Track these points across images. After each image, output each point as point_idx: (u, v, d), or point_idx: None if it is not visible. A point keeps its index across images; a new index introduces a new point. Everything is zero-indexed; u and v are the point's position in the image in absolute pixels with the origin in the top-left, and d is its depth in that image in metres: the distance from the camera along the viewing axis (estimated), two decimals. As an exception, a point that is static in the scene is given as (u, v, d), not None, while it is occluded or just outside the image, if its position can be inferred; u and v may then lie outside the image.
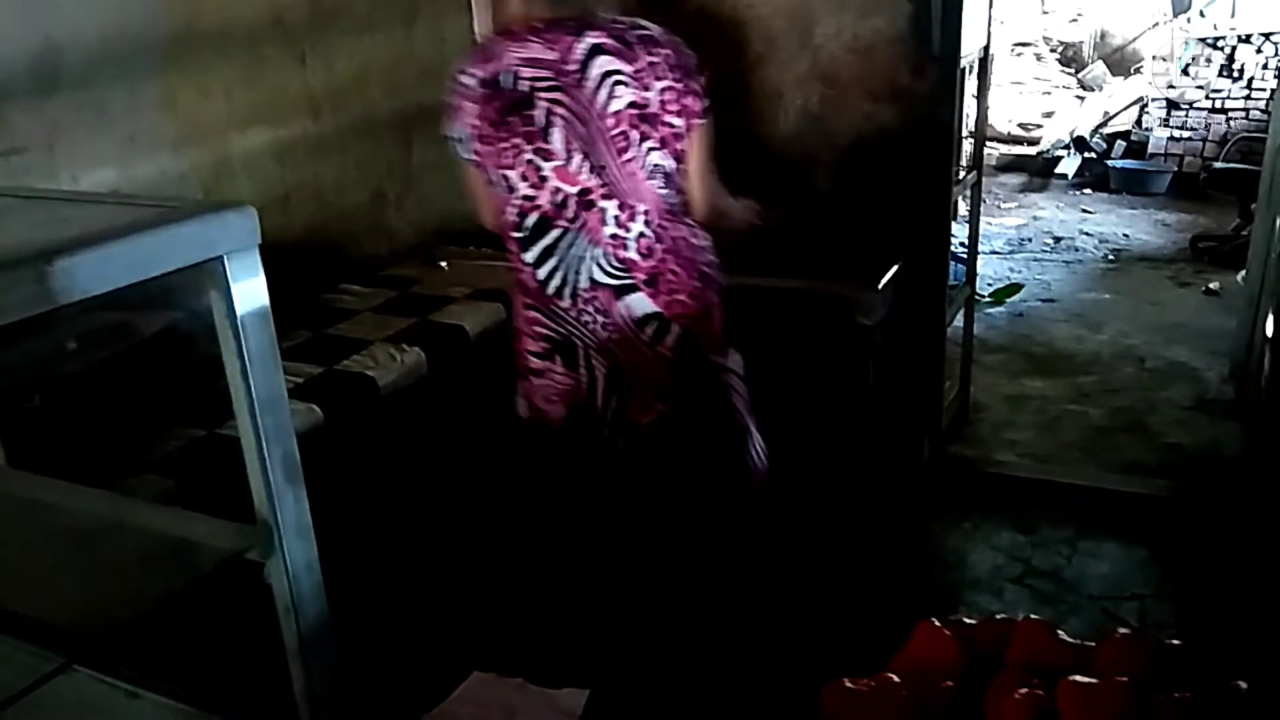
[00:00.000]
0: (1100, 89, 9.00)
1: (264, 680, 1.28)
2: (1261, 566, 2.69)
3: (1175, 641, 1.06)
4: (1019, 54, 9.58)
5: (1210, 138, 7.35)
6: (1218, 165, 6.70)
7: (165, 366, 1.93)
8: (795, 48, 2.97)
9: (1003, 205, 7.17)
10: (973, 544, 3.01)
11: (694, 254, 2.08)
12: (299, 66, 2.67)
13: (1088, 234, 6.47)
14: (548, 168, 1.97)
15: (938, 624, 1.09)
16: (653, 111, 1.96)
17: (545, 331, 2.09)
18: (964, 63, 3.02)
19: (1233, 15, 7.33)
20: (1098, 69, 9.28)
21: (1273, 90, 6.58)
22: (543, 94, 1.94)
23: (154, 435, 1.92)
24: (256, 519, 1.23)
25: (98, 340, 1.83)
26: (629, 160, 1.98)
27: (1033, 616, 1.10)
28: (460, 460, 2.40)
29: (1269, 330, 3.29)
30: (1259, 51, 7.26)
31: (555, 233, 2.02)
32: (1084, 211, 7.00)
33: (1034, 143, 8.33)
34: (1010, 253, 6.11)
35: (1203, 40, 7.46)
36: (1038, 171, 7.96)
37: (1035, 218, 6.89)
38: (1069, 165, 7.81)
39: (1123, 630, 1.08)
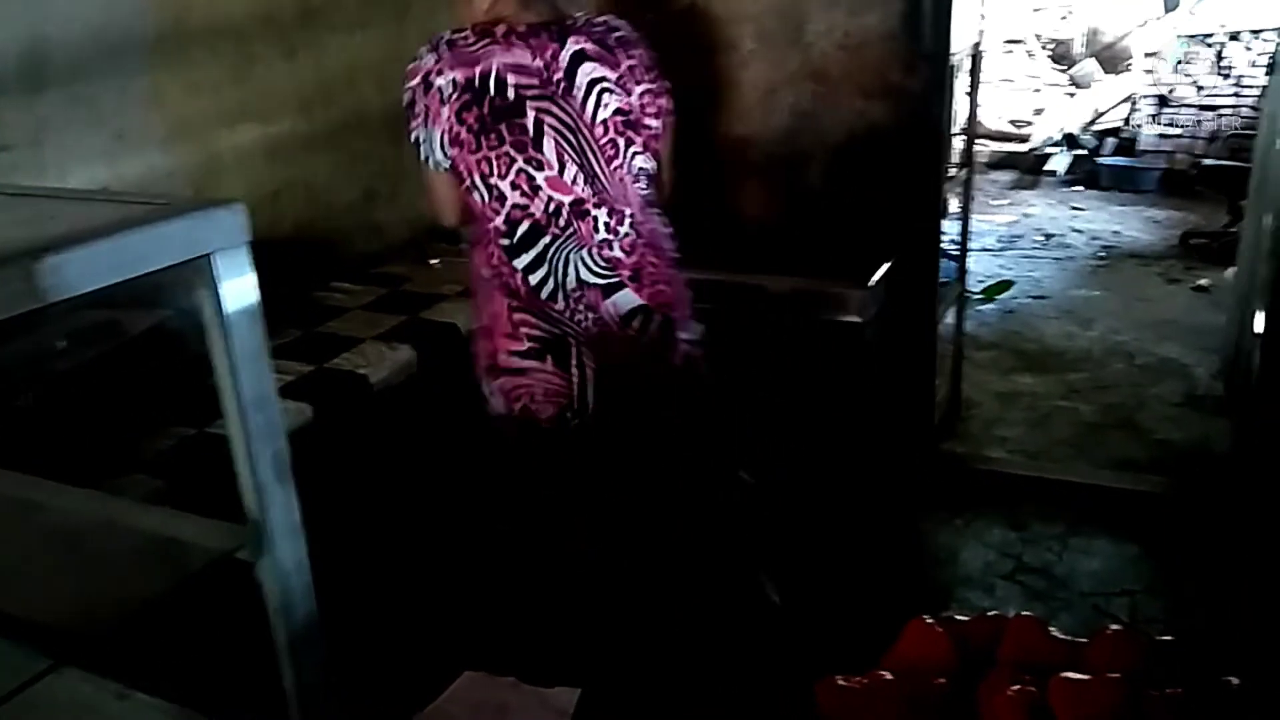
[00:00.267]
0: (1091, 86, 9.02)
1: (254, 680, 1.27)
2: (1252, 562, 2.70)
3: (1166, 637, 1.06)
4: (1010, 51, 9.60)
5: (1200, 134, 7.38)
6: (1208, 162, 6.73)
7: (155, 365, 1.92)
8: (786, 45, 2.97)
9: (993, 202, 7.19)
10: (964, 541, 3.01)
11: (665, 242, 2.11)
12: (289, 63, 2.65)
13: (1078, 231, 6.49)
14: (540, 178, 1.96)
15: (930, 621, 1.09)
16: (635, 117, 1.99)
17: (536, 332, 2.08)
18: (955, 60, 3.03)
19: (1222, 13, 7.37)
20: (1088, 66, 9.29)
21: (1262, 87, 6.61)
22: (532, 102, 1.93)
23: (144, 434, 1.91)
24: (246, 518, 1.22)
25: (87, 338, 1.82)
26: (617, 168, 2.00)
27: (1024, 613, 1.10)
28: (452, 458, 2.39)
29: (1259, 326, 3.30)
30: (1249, 49, 7.29)
31: (545, 240, 2.01)
32: (1074, 208, 7.02)
33: (1024, 140, 8.35)
34: (1001, 250, 6.13)
35: (1193, 37, 7.48)
36: (1028, 168, 7.98)
37: (1026, 215, 6.91)
38: (1059, 162, 7.83)
39: (1114, 626, 1.08)
